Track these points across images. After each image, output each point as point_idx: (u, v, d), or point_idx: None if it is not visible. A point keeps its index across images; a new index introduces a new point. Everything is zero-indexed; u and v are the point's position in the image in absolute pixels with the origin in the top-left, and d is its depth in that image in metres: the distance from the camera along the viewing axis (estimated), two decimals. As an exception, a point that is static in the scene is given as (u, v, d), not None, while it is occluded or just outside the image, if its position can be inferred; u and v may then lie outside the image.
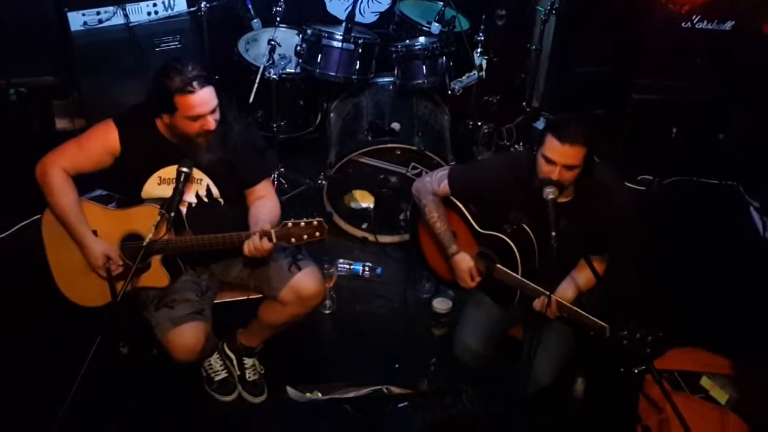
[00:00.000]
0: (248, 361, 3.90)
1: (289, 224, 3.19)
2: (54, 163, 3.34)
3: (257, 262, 3.45)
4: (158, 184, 3.38)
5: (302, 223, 3.18)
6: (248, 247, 3.22)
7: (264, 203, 3.51)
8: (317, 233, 3.18)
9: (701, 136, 5.32)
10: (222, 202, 3.47)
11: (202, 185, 3.43)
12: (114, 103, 4.84)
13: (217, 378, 3.87)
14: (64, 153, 3.38)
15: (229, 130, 3.39)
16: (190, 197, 3.42)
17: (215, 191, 3.45)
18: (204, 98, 3.15)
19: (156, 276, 3.40)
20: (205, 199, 3.44)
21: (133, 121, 3.35)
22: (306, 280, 3.48)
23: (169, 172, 3.36)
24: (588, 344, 3.65)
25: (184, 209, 3.41)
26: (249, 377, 3.90)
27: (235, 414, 3.83)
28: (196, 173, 3.39)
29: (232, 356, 3.90)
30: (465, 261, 3.63)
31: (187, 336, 3.34)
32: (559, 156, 3.16)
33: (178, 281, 3.47)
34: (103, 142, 3.34)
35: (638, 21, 5.12)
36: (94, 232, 3.37)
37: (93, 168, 3.39)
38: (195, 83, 3.12)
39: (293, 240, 3.19)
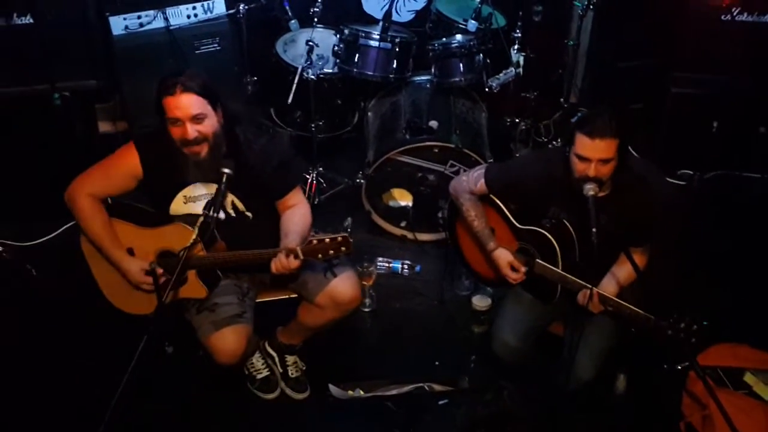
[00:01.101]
0: (290, 359, 3.94)
1: (314, 241, 3.18)
2: (81, 189, 3.40)
3: (287, 279, 3.45)
4: (184, 203, 3.43)
5: (327, 240, 3.17)
6: (275, 265, 3.23)
7: (294, 212, 3.51)
8: (343, 248, 3.18)
9: (742, 130, 5.25)
10: (250, 216, 3.49)
11: (227, 200, 3.43)
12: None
13: (260, 376, 3.91)
14: (90, 179, 3.43)
15: (245, 151, 3.38)
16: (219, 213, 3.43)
17: (240, 205, 3.46)
18: (182, 102, 3.13)
19: (194, 288, 3.44)
20: (233, 214, 3.46)
21: (153, 142, 3.36)
22: (342, 286, 3.49)
23: (193, 190, 3.41)
24: (629, 340, 3.64)
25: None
26: (291, 374, 3.93)
27: (279, 411, 3.86)
28: None
29: (274, 354, 3.93)
30: (504, 255, 3.62)
31: (229, 339, 3.38)
32: (591, 152, 3.15)
33: (219, 285, 3.51)
34: (125, 167, 3.38)
35: (677, 14, 5.07)
36: (130, 250, 3.44)
37: (119, 192, 3.44)
38: (178, 87, 3.12)
39: (320, 256, 3.19)
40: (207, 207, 3.25)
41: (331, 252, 3.18)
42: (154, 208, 3.50)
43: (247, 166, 3.35)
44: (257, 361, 3.93)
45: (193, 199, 3.43)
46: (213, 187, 3.35)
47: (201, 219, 3.20)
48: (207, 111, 3.19)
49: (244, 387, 3.92)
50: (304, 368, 3.98)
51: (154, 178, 3.38)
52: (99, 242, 3.41)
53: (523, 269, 3.56)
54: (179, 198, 3.42)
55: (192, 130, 3.17)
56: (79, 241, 3.56)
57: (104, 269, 3.53)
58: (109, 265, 3.47)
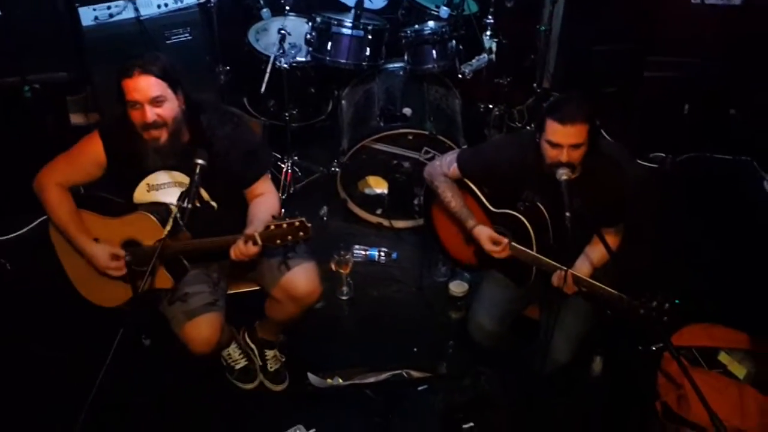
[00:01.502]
0: (269, 353, 3.94)
1: (272, 226, 3.13)
2: (48, 178, 3.40)
3: (247, 266, 3.44)
4: (147, 191, 3.41)
5: (284, 225, 3.11)
6: (234, 252, 3.21)
7: (262, 200, 3.47)
8: (301, 233, 3.12)
9: (713, 112, 5.31)
10: (215, 206, 3.45)
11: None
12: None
13: (238, 366, 3.92)
14: (56, 168, 3.43)
15: (211, 137, 3.34)
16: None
17: (205, 195, 3.42)
18: (141, 84, 3.10)
19: (161, 278, 3.42)
20: (198, 204, 3.38)
21: (116, 129, 3.34)
22: (296, 280, 3.45)
23: (155, 178, 3.38)
24: (605, 322, 3.67)
25: (179, 214, 3.34)
26: (270, 368, 3.94)
27: (258, 401, 3.88)
28: (181, 177, 3.38)
29: (254, 347, 3.94)
30: (486, 231, 3.58)
31: (202, 328, 3.37)
32: (562, 138, 3.17)
33: (188, 275, 3.50)
34: (89, 155, 3.37)
35: (648, -1, 5.12)
36: (96, 241, 3.42)
37: (85, 180, 3.45)
38: (136, 69, 3.10)
39: (278, 242, 3.14)
40: (181, 198, 3.24)
41: (290, 237, 3.13)
42: (119, 196, 3.48)
43: (212, 154, 3.28)
44: (234, 351, 3.92)
45: (156, 187, 3.40)
46: (176, 175, 3.36)
47: (175, 210, 3.20)
48: (167, 94, 3.15)
49: (221, 378, 3.93)
50: (283, 359, 3.98)
51: (117, 166, 3.37)
52: (65, 229, 3.40)
53: (505, 241, 3.52)
54: (142, 186, 3.40)
55: (151, 113, 3.13)
56: (49, 234, 3.56)
57: (73, 260, 3.51)
58: (78, 256, 3.45)
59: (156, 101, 3.13)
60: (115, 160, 3.36)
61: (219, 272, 3.63)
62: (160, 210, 3.37)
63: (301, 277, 3.46)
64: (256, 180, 3.49)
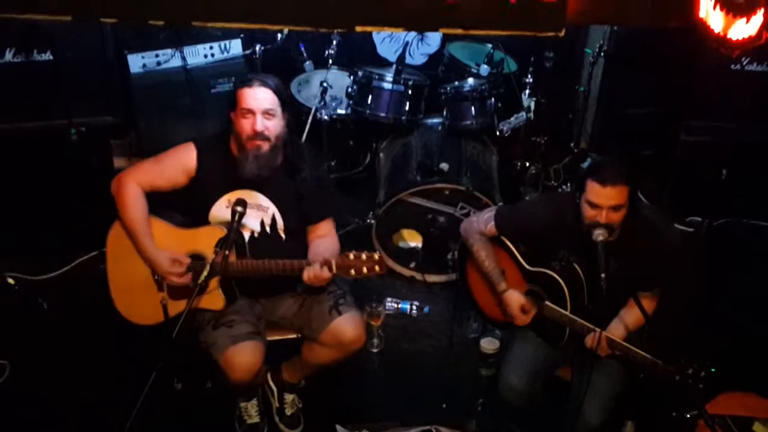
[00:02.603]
0: (289, 397, 3.95)
1: (351, 255, 3.24)
2: (131, 176, 3.47)
3: (313, 290, 3.50)
4: (226, 207, 3.45)
5: (363, 256, 3.22)
6: (308, 273, 3.27)
7: (325, 242, 3.56)
8: (377, 267, 3.22)
9: (751, 178, 5.28)
10: (284, 237, 3.53)
11: (267, 213, 3.50)
12: (170, 141, 4.87)
13: (249, 421, 3.88)
14: (142, 168, 3.52)
15: (301, 163, 3.50)
16: (254, 225, 3.49)
17: (280, 222, 3.51)
18: (257, 94, 3.30)
19: (213, 298, 3.45)
20: (269, 230, 3.51)
21: (211, 143, 3.48)
22: (345, 326, 3.50)
23: (238, 195, 3.42)
24: (638, 387, 3.63)
25: (247, 235, 3.48)
26: (287, 411, 3.94)
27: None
28: (263, 200, 3.47)
29: (275, 388, 3.94)
30: (515, 297, 3.62)
31: (246, 354, 3.39)
32: (603, 199, 3.18)
33: (235, 305, 3.53)
34: (180, 160, 3.46)
35: (687, 63, 5.12)
36: None
37: (167, 185, 3.49)
38: (256, 81, 3.31)
39: (353, 272, 3.23)
40: (219, 245, 3.30)
41: (365, 270, 3.22)
42: (192, 211, 3.52)
43: (300, 175, 3.48)
44: (252, 406, 3.89)
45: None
46: (257, 197, 3.46)
47: (214, 231, 3.33)
48: (277, 111, 3.35)
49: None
50: (300, 405, 3.98)
51: (205, 177, 3.45)
52: (133, 229, 3.43)
53: (533, 312, 3.56)
54: (222, 201, 3.46)
55: (261, 123, 3.30)
56: (107, 236, 3.57)
57: (122, 269, 3.55)
58: (128, 266, 3.49)
59: (268, 113, 3.32)
60: (206, 170, 3.44)
61: (262, 311, 3.67)
62: (226, 227, 3.42)
63: (351, 324, 3.52)
64: (324, 219, 3.61)
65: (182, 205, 3.58)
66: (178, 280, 3.42)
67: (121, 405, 2.85)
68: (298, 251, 3.52)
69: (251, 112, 3.31)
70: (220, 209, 3.46)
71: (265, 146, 3.34)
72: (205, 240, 3.42)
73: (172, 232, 3.50)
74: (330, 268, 3.24)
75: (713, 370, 3.03)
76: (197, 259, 3.45)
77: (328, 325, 3.50)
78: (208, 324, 3.48)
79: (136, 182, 3.45)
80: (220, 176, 3.44)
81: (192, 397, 3.70)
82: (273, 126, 3.34)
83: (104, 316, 3.62)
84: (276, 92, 3.35)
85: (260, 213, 3.49)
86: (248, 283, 3.48)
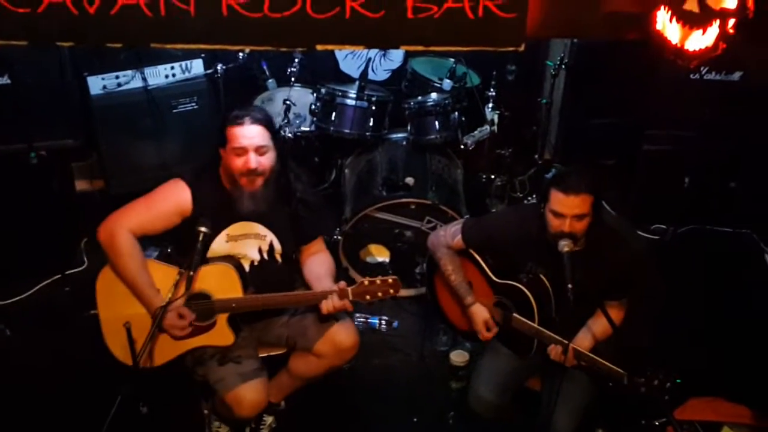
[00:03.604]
0: (267, 419, 3.89)
1: (366, 282, 3.28)
2: (121, 224, 3.31)
3: (330, 317, 3.48)
4: (225, 242, 3.41)
5: (378, 281, 3.27)
6: (327, 306, 3.29)
7: (320, 258, 3.59)
8: (391, 290, 3.27)
9: (713, 185, 5.34)
10: (279, 261, 3.51)
11: (265, 241, 3.47)
12: (132, 163, 4.95)
13: None
14: (132, 214, 3.35)
15: (294, 185, 3.49)
16: (254, 254, 3.46)
17: (278, 247, 3.49)
18: (249, 132, 3.24)
19: (221, 334, 3.41)
20: (266, 256, 3.48)
21: (202, 178, 3.39)
22: (343, 332, 3.50)
23: (236, 229, 3.41)
24: (608, 395, 3.64)
25: (247, 266, 3.45)
26: None
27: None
28: (260, 229, 3.44)
29: None
30: (481, 312, 3.64)
31: (256, 392, 3.39)
32: (566, 208, 3.20)
33: (239, 337, 3.49)
34: (174, 203, 3.34)
35: (647, 73, 5.18)
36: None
37: (161, 230, 3.38)
38: (246, 118, 3.24)
39: (368, 297, 3.28)
40: (183, 265, 3.24)
41: (380, 294, 3.27)
42: (190, 249, 3.28)
43: (295, 198, 3.48)
44: (223, 428, 3.86)
45: (235, 237, 3.42)
46: (255, 227, 3.42)
47: (177, 275, 3.23)
48: (270, 145, 3.29)
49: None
50: (274, 426, 3.94)
51: (201, 215, 3.31)
52: (132, 282, 3.31)
53: (494, 330, 3.60)
54: (221, 237, 3.41)
55: (255, 161, 3.25)
56: (97, 279, 3.43)
57: (114, 313, 3.39)
58: (120, 310, 3.36)
59: (261, 150, 3.26)
60: (201, 208, 3.34)
61: (259, 336, 3.65)
62: (231, 263, 3.38)
63: (348, 330, 3.53)
64: (316, 237, 3.63)
65: (176, 242, 3.53)
66: (180, 333, 3.34)
67: (87, 430, 2.81)
68: (294, 272, 3.56)
69: (244, 149, 3.24)
70: (220, 244, 3.41)
71: (259, 181, 3.29)
72: (207, 278, 3.33)
73: (171, 273, 3.32)
74: (347, 297, 3.28)
75: (678, 381, 3.06)
76: (201, 297, 3.37)
77: (325, 333, 3.48)
78: (212, 359, 3.43)
79: (127, 230, 3.30)
80: (217, 212, 3.35)
81: (160, 420, 3.64)
82: (266, 160, 3.29)
83: (69, 341, 3.57)
84: (266, 126, 3.29)
85: (258, 241, 3.47)
86: (249, 313, 3.46)
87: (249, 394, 3.35)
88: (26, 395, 4.08)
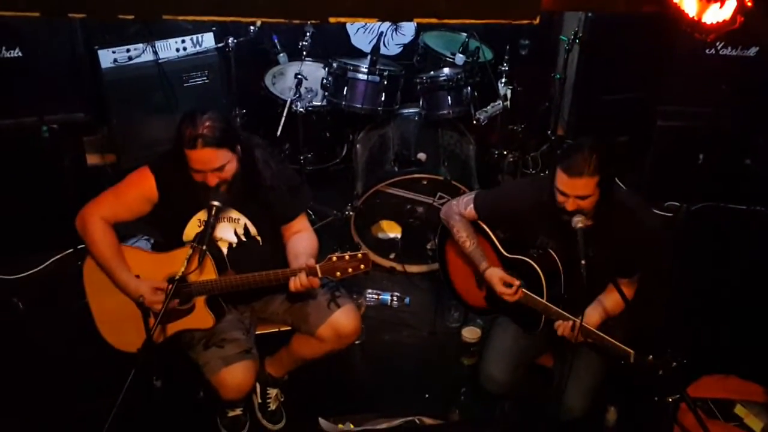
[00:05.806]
0: (272, 391, 3.92)
1: (334, 258, 3.24)
2: (93, 213, 3.39)
3: (300, 296, 3.48)
4: (198, 227, 3.41)
5: (347, 257, 3.23)
6: (294, 284, 3.26)
7: (301, 237, 3.55)
8: (362, 266, 3.24)
9: (728, 162, 5.30)
10: (260, 241, 3.51)
11: (239, 224, 3.47)
12: (143, 137, 4.94)
13: (231, 414, 3.84)
14: (103, 203, 3.43)
15: (263, 172, 3.44)
16: (230, 236, 3.47)
17: (252, 229, 3.48)
18: (203, 157, 3.17)
19: (201, 317, 3.42)
20: (244, 238, 3.48)
21: (168, 165, 3.37)
22: (345, 318, 3.50)
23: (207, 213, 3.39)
24: (620, 372, 3.64)
25: (225, 249, 3.47)
26: (270, 407, 3.92)
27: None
28: (233, 213, 3.44)
29: (257, 384, 3.89)
30: (497, 272, 3.56)
31: (239, 375, 3.37)
32: (569, 188, 3.18)
33: (224, 320, 3.50)
34: (140, 190, 3.39)
35: (662, 48, 5.13)
36: (137, 277, 3.40)
37: (132, 216, 3.44)
38: (199, 141, 3.13)
39: (338, 274, 3.24)
40: (195, 239, 3.26)
41: (350, 270, 3.23)
42: (166, 233, 3.50)
43: (264, 186, 3.42)
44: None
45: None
46: (228, 211, 3.40)
47: (189, 251, 3.21)
48: (227, 158, 3.22)
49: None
50: (282, 399, 3.96)
51: (169, 201, 3.39)
52: (107, 265, 3.37)
53: (517, 283, 3.48)
54: (194, 221, 3.42)
55: (213, 179, 3.22)
56: (82, 270, 3.51)
57: (103, 300, 3.49)
58: (108, 297, 3.44)
59: (218, 169, 3.21)
60: (168, 195, 3.38)
61: (251, 318, 3.66)
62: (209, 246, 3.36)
63: (351, 316, 3.53)
64: (296, 216, 3.58)
65: (155, 228, 3.57)
66: (158, 308, 3.30)
67: (101, 403, 2.82)
68: (278, 252, 3.52)
69: (201, 171, 3.21)
70: (194, 228, 3.43)
71: (223, 187, 3.27)
72: (182, 261, 3.31)
73: (147, 257, 3.46)
74: (315, 274, 3.23)
75: (685, 361, 3.05)
76: (178, 281, 3.36)
77: (327, 319, 3.49)
78: (199, 343, 3.45)
79: (99, 217, 3.38)
80: (186, 198, 3.37)
81: (172, 393, 3.66)
82: (226, 174, 3.24)
83: (81, 315, 3.58)
84: (220, 144, 3.18)
85: (232, 224, 3.47)
86: (237, 293, 3.45)
87: (230, 377, 3.35)
88: (39, 368, 4.11)
